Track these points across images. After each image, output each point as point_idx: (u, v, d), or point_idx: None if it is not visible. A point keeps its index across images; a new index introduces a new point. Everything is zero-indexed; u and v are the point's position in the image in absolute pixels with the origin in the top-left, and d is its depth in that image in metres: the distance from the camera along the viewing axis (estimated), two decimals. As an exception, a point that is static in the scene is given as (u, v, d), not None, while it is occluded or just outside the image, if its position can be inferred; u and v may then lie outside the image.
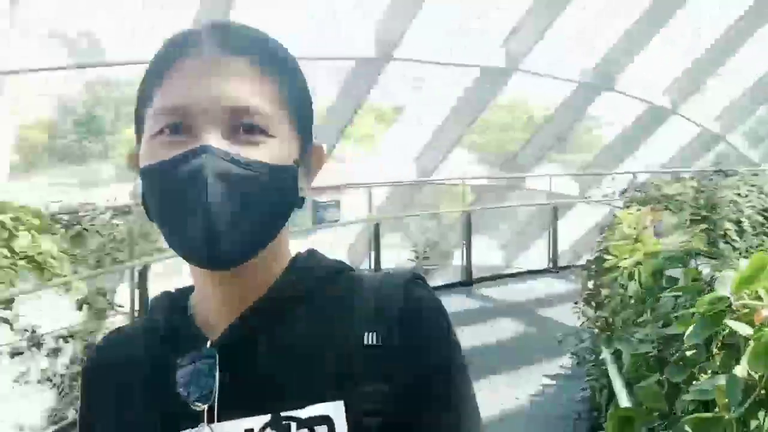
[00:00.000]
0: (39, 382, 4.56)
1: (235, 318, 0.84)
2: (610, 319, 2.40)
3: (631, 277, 2.14)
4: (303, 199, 0.87)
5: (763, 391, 1.12)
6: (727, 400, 1.13)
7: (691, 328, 1.32)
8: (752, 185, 5.41)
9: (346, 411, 0.78)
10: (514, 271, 12.01)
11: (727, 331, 1.26)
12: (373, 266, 9.11)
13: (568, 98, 11.98)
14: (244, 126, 0.80)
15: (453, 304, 8.48)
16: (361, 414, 0.78)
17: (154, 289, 5.69)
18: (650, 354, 1.66)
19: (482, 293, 9.25)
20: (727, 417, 1.10)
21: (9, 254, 3.69)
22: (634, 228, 2.61)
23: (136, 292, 5.55)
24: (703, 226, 2.43)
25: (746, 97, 14.75)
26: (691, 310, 1.32)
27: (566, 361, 5.38)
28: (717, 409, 1.14)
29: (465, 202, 10.99)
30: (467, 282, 9.77)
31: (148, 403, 0.85)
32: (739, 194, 4.66)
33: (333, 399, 0.78)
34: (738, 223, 4.05)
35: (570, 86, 11.83)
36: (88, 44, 6.68)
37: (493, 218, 17.01)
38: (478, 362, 6.00)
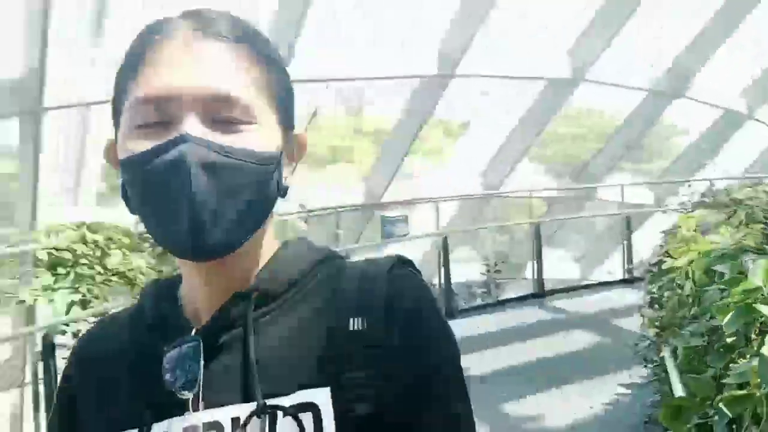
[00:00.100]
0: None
1: (218, 307, 0.83)
2: (668, 318, 2.45)
3: (687, 276, 2.20)
4: (287, 187, 0.86)
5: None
6: (759, 379, 1.20)
7: (728, 316, 1.40)
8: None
9: (333, 397, 0.77)
10: (587, 282, 11.87)
11: (763, 317, 1.33)
12: (442, 280, 9.17)
13: (638, 106, 11.81)
14: (224, 114, 0.78)
15: (525, 316, 8.49)
16: (347, 400, 0.77)
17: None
18: (700, 346, 1.73)
19: (555, 305, 9.19)
20: (758, 394, 1.18)
21: (102, 271, 4.01)
22: (693, 231, 2.64)
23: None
24: (759, 226, 2.45)
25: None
26: (728, 300, 1.40)
27: (642, 370, 5.34)
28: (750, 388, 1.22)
29: (534, 214, 10.97)
30: (539, 294, 9.72)
31: (135, 390, 0.84)
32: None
33: (319, 386, 0.78)
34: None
35: (641, 95, 11.67)
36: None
37: (567, 230, 16.82)
38: (549, 372, 6.05)
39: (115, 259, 4.10)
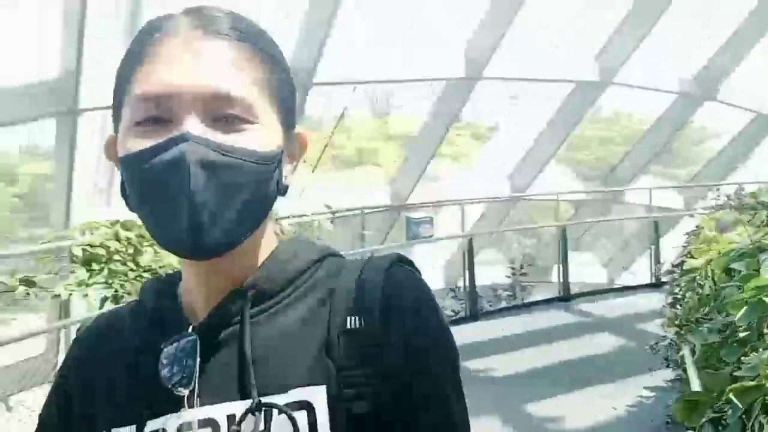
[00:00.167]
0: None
1: (215, 304, 0.83)
2: (687, 316, 2.47)
3: (706, 275, 2.23)
4: (287, 186, 0.85)
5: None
6: (768, 371, 1.24)
7: (741, 311, 1.43)
8: None
9: (328, 396, 0.77)
10: (615, 286, 11.80)
11: (774, 312, 1.37)
12: (467, 282, 9.19)
13: (667, 110, 11.71)
14: (224, 112, 0.78)
15: (550, 319, 8.49)
16: (343, 399, 0.77)
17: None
18: (716, 343, 1.76)
19: (580, 308, 9.17)
20: (767, 384, 1.21)
21: (135, 267, 4.12)
22: (715, 231, 2.66)
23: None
24: (780, 225, 2.48)
25: None
26: (742, 295, 1.43)
27: (666, 373, 5.32)
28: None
29: (560, 218, 10.94)
30: (565, 297, 9.71)
31: (132, 386, 0.84)
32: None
33: (314, 384, 0.78)
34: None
35: (671, 98, 11.58)
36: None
37: (594, 234, 16.70)
38: (573, 374, 6.05)
39: (147, 257, 4.21)
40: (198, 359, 0.80)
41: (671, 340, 3.65)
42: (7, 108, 6.43)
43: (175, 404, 0.79)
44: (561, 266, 9.93)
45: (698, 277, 2.43)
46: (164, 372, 0.80)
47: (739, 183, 11.06)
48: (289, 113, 0.85)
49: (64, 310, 4.28)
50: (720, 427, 1.65)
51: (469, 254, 9.09)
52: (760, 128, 12.99)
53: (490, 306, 10.29)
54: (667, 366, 4.55)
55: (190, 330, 0.82)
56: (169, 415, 0.80)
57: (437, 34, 9.44)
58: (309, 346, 0.80)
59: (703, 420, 1.70)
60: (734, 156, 13.51)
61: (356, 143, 25.59)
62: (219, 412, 0.79)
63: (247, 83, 0.79)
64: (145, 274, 4.09)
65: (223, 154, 0.76)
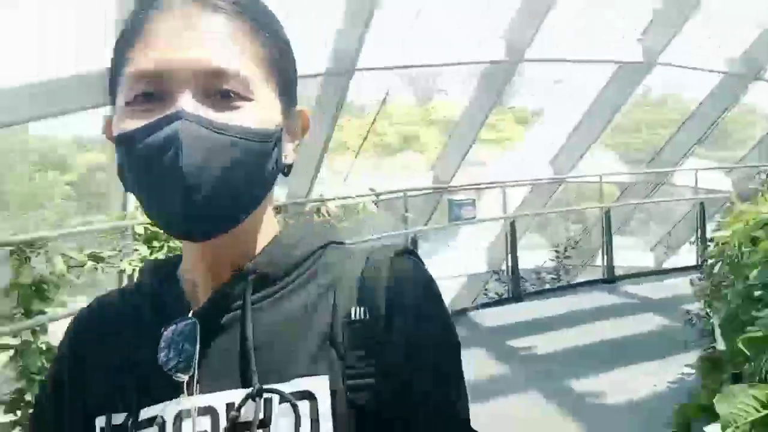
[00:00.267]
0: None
1: (215, 288, 0.81)
2: (716, 286, 2.55)
3: (734, 245, 2.31)
4: (289, 165, 0.84)
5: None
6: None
7: (755, 271, 1.54)
8: None
9: (331, 386, 0.76)
10: (661, 269, 11.72)
11: (785, 270, 1.47)
12: (510, 265, 9.27)
13: (713, 90, 11.53)
14: (220, 90, 0.76)
15: (593, 300, 8.53)
16: (346, 390, 0.76)
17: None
18: (738, 305, 1.85)
19: (625, 290, 9.18)
20: (773, 335, 1.32)
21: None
22: (739, 202, 2.71)
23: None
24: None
25: None
26: (758, 257, 1.53)
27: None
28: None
29: (605, 201, 10.90)
30: (610, 279, 9.72)
31: (129, 371, 0.81)
32: None
33: (317, 374, 0.76)
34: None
35: (720, 78, 11.39)
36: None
37: (642, 219, 16.52)
38: (615, 353, 6.12)
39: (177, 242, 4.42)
40: (198, 344, 0.78)
41: (706, 312, 3.71)
42: (60, 98, 6.68)
43: (173, 390, 0.77)
44: (605, 248, 9.93)
45: (726, 247, 2.51)
46: (163, 357, 0.79)
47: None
48: (288, 90, 0.83)
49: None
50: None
51: (512, 236, 9.16)
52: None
53: (533, 288, 10.37)
54: (703, 338, 4.61)
55: (190, 314, 0.80)
56: (167, 402, 0.78)
57: (478, 17, 9.47)
58: (312, 335, 0.78)
59: (725, 376, 1.81)
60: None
61: (398, 129, 25.69)
62: (218, 399, 0.77)
63: (243, 58, 0.77)
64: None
65: (218, 132, 0.74)
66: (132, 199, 7.02)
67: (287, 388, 0.76)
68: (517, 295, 9.01)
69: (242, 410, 0.75)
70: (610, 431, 4.76)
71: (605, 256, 9.91)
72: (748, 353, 1.39)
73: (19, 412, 3.55)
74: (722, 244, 2.64)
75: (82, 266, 3.94)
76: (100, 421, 0.81)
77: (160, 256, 4.04)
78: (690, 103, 13.26)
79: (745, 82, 11.58)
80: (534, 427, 4.90)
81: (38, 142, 23.47)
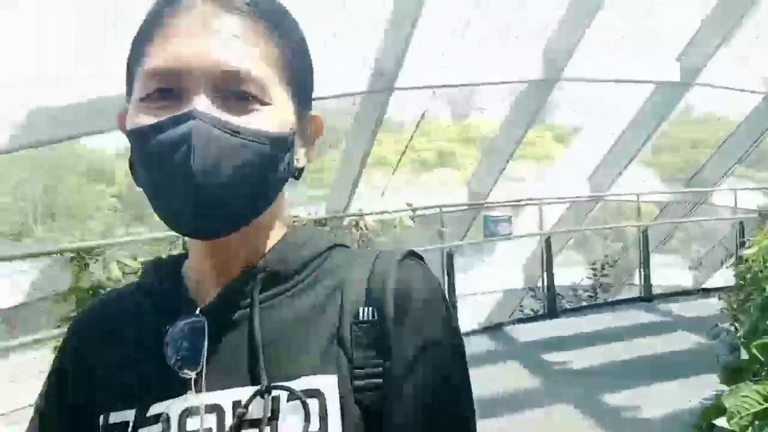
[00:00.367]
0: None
1: (223, 286, 0.81)
2: (741, 300, 2.63)
3: (759, 261, 2.40)
4: (300, 169, 0.84)
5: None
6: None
7: (771, 281, 1.65)
8: None
9: (339, 386, 0.76)
10: (699, 288, 11.61)
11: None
12: (546, 281, 9.31)
13: (752, 111, 11.45)
14: (236, 91, 0.76)
15: (630, 317, 8.53)
16: (354, 389, 0.76)
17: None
18: (759, 316, 1.95)
19: (662, 308, 9.15)
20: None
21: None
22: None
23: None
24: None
25: None
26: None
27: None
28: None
29: (643, 219, 10.88)
30: (647, 298, 9.70)
31: (133, 368, 0.81)
32: None
33: (326, 373, 0.76)
34: None
35: (759, 98, 11.31)
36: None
37: (682, 238, 16.34)
38: (651, 369, 6.15)
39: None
40: (206, 342, 0.78)
41: (734, 326, 3.78)
42: (109, 115, 6.99)
43: (179, 388, 0.77)
44: (642, 267, 9.92)
45: (752, 263, 2.60)
46: (170, 354, 0.79)
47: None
48: (303, 94, 0.83)
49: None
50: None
51: (547, 252, 9.21)
52: None
53: (570, 305, 10.38)
54: (734, 352, 4.64)
55: (197, 312, 0.80)
56: (173, 399, 0.77)
57: (516, 36, 9.59)
58: (320, 334, 0.79)
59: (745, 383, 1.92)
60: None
61: (436, 145, 25.85)
62: (225, 397, 0.77)
63: (260, 61, 0.77)
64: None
65: (230, 134, 0.74)
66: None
67: (295, 386, 0.75)
68: (553, 312, 9.05)
69: (250, 407, 0.75)
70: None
71: (642, 275, 9.90)
72: (762, 358, 1.50)
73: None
74: (751, 260, 2.73)
75: (136, 273, 4.17)
76: (102, 418, 0.80)
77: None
78: (733, 121, 13.16)
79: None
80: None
81: (88, 154, 24.19)
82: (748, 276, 2.60)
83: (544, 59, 8.84)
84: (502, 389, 5.88)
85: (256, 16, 0.78)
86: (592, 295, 11.15)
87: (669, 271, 13.00)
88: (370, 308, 0.79)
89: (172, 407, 0.77)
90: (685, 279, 13.53)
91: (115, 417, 0.80)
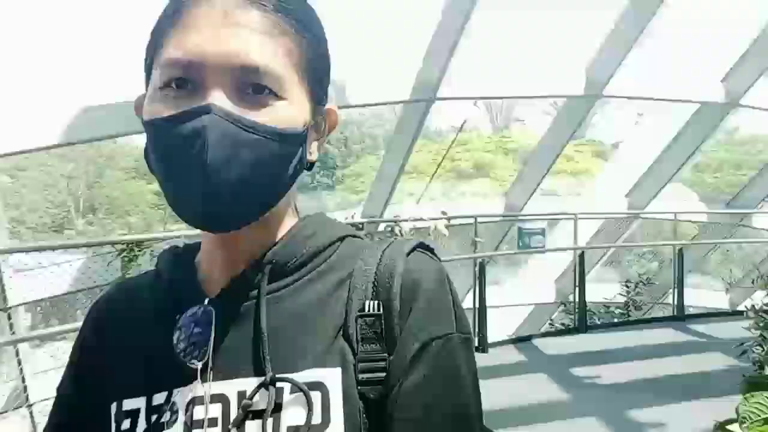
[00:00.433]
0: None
1: (232, 278, 0.82)
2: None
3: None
4: (312, 163, 0.84)
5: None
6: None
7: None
8: None
9: (343, 379, 0.76)
10: (734, 310, 11.47)
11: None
12: (578, 296, 9.32)
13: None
14: (252, 85, 0.76)
15: (660, 336, 8.50)
16: (358, 383, 0.76)
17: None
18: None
19: (694, 328, 9.08)
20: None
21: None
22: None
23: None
24: None
25: None
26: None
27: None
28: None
29: (680, 239, 10.81)
30: (680, 317, 9.64)
31: (145, 356, 0.82)
32: None
33: (330, 365, 0.76)
34: None
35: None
36: (334, 89, 7.89)
37: (720, 260, 16.12)
38: (678, 387, 6.15)
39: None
40: (213, 332, 0.79)
41: (758, 343, 3.80)
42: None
43: (187, 377, 0.78)
44: (676, 286, 9.87)
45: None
46: (178, 344, 0.80)
47: None
48: (320, 88, 0.83)
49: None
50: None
51: (581, 267, 9.22)
52: None
53: (600, 321, 10.35)
54: (756, 370, 4.64)
55: (206, 302, 0.81)
56: (180, 388, 0.78)
57: (559, 52, 9.66)
58: (326, 327, 0.79)
59: (765, 395, 1.99)
60: None
61: (473, 155, 25.88)
62: (231, 387, 0.77)
63: (278, 56, 0.77)
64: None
65: (245, 130, 0.74)
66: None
67: (299, 378, 0.76)
68: (583, 327, 9.05)
69: (254, 398, 0.76)
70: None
71: (676, 294, 9.84)
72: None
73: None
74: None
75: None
76: (115, 405, 0.82)
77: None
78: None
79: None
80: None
81: (133, 151, 24.76)
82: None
83: (587, 75, 8.87)
84: (529, 400, 5.94)
85: (276, 10, 0.78)
86: (624, 312, 11.10)
87: (704, 293, 12.87)
88: (376, 301, 0.79)
89: (180, 396, 0.78)
90: (721, 301, 13.37)
91: (127, 404, 0.81)
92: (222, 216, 0.76)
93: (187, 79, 0.76)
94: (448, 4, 7.75)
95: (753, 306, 3.42)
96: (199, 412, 0.77)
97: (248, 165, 0.75)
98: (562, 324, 10.48)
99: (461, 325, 0.81)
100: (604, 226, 11.71)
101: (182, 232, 5.09)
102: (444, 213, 8.05)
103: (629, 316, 10.88)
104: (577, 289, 9.15)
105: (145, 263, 4.03)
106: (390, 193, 9.41)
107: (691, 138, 10.73)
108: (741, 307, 12.25)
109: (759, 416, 1.34)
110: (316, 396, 0.75)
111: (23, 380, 6.05)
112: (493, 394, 5.86)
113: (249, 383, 0.77)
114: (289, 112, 0.78)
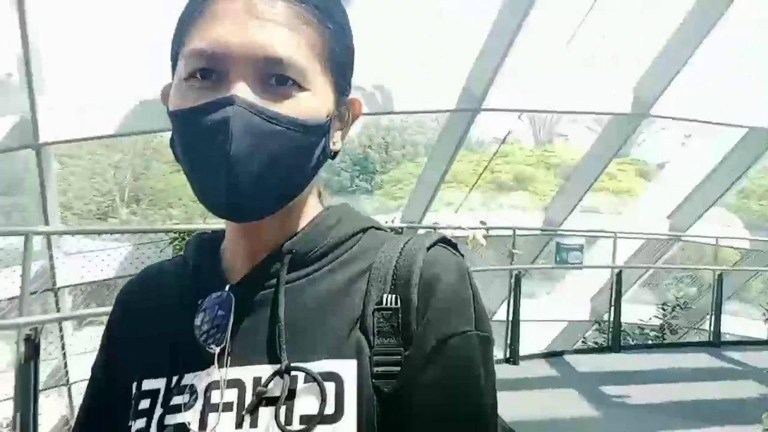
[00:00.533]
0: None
1: (253, 266, 0.83)
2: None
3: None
4: (336, 152, 0.85)
5: None
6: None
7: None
8: None
9: (358, 371, 0.76)
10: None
11: None
12: (613, 315, 9.26)
13: None
14: (276, 77, 0.76)
15: (694, 360, 8.39)
16: (373, 376, 0.76)
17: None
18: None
19: (729, 355, 8.94)
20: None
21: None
22: None
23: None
24: None
25: None
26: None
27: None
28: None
29: (720, 264, 10.66)
30: (715, 343, 9.51)
31: (167, 340, 0.84)
32: None
33: (345, 357, 0.77)
34: None
35: None
36: (382, 96, 7.98)
37: (761, 287, 15.78)
38: (708, 411, 6.09)
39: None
40: (231, 319, 0.80)
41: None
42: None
43: (206, 361, 0.79)
44: (714, 312, 9.74)
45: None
46: (202, 325, 0.81)
47: None
48: (343, 79, 0.84)
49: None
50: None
51: (617, 286, 9.16)
52: None
53: (634, 342, 10.26)
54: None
55: (227, 289, 0.82)
56: (199, 372, 0.80)
57: (607, 70, 9.63)
58: (343, 318, 0.79)
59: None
60: None
61: (514, 168, 25.77)
62: (247, 373, 0.78)
63: (302, 47, 0.77)
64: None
65: (268, 121, 0.75)
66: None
67: (314, 368, 0.76)
68: (616, 346, 8.99)
69: (269, 386, 0.77)
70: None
71: (713, 320, 9.71)
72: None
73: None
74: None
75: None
76: (135, 385, 0.84)
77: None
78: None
79: None
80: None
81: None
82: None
83: (635, 93, 8.83)
84: (559, 414, 5.95)
85: (300, 1, 0.78)
86: (659, 335, 10.98)
87: (742, 320, 12.65)
88: (394, 295, 0.78)
89: (198, 380, 0.80)
90: (759, 330, 13.11)
91: (147, 384, 0.83)
92: (244, 206, 0.77)
93: (211, 70, 0.76)
94: (500, 16, 7.80)
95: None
96: (215, 396, 0.78)
97: (271, 156, 0.75)
98: (595, 342, 10.41)
99: (480, 323, 0.80)
100: (644, 247, 11.60)
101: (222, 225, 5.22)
102: (483, 223, 8.10)
103: (664, 339, 10.76)
104: (612, 307, 9.09)
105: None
106: (430, 200, 9.48)
107: (738, 163, 10.59)
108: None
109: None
110: (329, 386, 0.75)
111: (64, 357, 6.25)
112: (523, 406, 5.91)
113: (265, 370, 0.78)
114: (312, 103, 0.78)
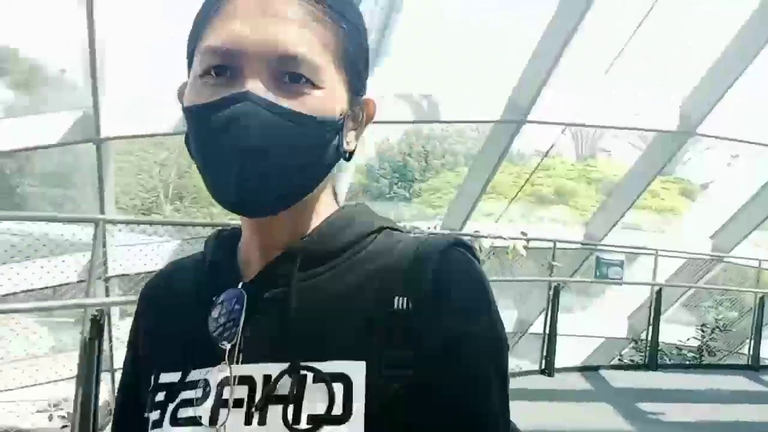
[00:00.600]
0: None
1: (266, 263, 0.83)
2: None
3: None
4: (350, 152, 0.85)
5: None
6: None
7: None
8: None
9: (367, 373, 0.75)
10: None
11: None
12: (651, 333, 9.21)
13: None
14: (289, 74, 0.77)
15: (732, 383, 8.31)
16: (382, 378, 0.75)
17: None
18: None
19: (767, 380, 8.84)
20: None
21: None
22: None
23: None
24: None
25: None
26: None
27: None
28: None
29: (761, 287, 10.51)
30: (754, 367, 9.38)
31: (184, 335, 0.85)
32: None
33: (355, 358, 0.76)
34: None
35: None
36: (428, 105, 8.09)
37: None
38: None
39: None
40: (243, 316, 0.80)
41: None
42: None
43: (219, 357, 0.80)
44: (754, 336, 9.61)
45: None
46: (211, 325, 0.82)
47: None
48: (357, 79, 0.84)
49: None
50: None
51: (656, 304, 9.10)
52: None
53: (671, 362, 10.16)
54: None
55: (240, 286, 0.83)
56: (211, 368, 0.81)
57: (654, 85, 9.59)
58: (354, 319, 0.79)
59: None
60: None
61: (555, 182, 25.63)
62: (257, 370, 0.79)
63: (316, 45, 0.78)
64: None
65: (282, 118, 0.75)
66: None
67: (324, 368, 0.76)
68: (653, 364, 8.94)
69: (278, 384, 0.77)
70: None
71: (753, 344, 9.59)
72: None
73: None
74: None
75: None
76: (153, 378, 0.86)
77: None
78: None
79: None
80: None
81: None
82: None
83: (681, 111, 8.78)
84: (592, 427, 5.97)
85: (318, 3, 0.79)
86: (697, 356, 10.85)
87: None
88: (406, 298, 0.78)
89: (211, 375, 0.80)
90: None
91: (164, 377, 0.85)
92: (256, 202, 0.77)
93: (225, 67, 0.77)
94: (548, 29, 7.85)
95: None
96: (226, 392, 0.79)
97: (283, 152, 0.76)
98: (631, 360, 10.34)
99: (493, 327, 0.80)
100: (685, 266, 11.48)
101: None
102: (524, 234, 8.14)
103: (702, 360, 10.65)
104: (651, 325, 9.04)
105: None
106: (470, 210, 9.54)
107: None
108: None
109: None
110: (338, 387, 0.75)
111: (110, 340, 6.46)
112: (556, 418, 5.95)
113: (275, 368, 0.78)
114: (324, 100, 0.78)
